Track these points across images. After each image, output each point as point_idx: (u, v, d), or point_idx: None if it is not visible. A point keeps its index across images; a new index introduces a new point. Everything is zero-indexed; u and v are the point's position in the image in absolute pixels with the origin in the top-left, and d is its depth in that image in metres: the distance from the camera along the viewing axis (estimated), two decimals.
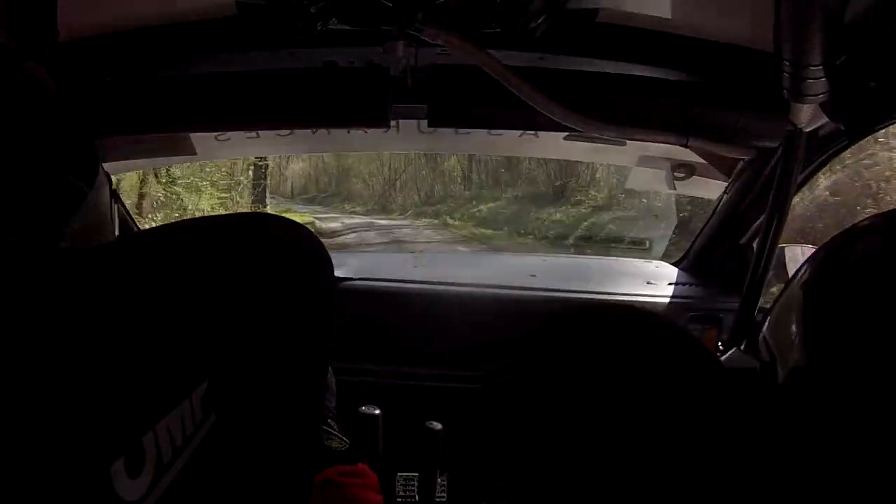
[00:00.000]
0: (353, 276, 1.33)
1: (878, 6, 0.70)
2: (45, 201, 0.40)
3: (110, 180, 0.50)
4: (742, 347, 0.49)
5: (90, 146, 0.45)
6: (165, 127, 1.14)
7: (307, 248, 0.44)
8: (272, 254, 0.40)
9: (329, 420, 0.67)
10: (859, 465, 0.33)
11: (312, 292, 0.43)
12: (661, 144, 1.15)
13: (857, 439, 0.33)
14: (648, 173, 1.39)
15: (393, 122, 1.16)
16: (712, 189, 1.31)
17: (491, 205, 11.34)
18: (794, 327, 0.39)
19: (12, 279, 0.31)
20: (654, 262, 1.54)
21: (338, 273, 1.31)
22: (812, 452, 0.35)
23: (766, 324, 0.45)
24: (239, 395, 0.35)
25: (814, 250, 0.43)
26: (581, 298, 1.28)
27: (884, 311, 0.33)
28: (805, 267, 0.41)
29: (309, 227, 0.46)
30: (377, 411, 1.14)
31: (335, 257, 0.51)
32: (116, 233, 0.50)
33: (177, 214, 6.91)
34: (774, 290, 1.08)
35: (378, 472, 0.94)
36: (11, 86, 0.39)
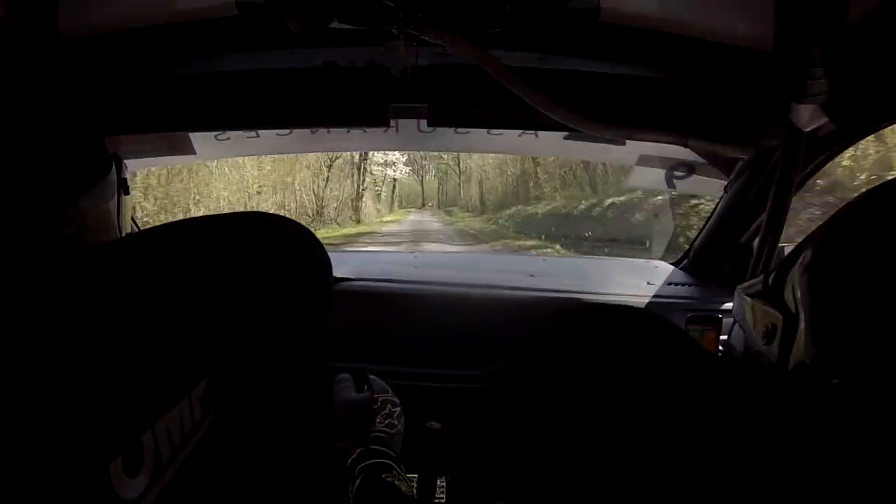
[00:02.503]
0: (353, 276, 1.33)
1: (879, 6, 0.70)
2: (55, 181, 0.40)
3: (121, 174, 0.50)
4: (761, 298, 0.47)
5: (101, 137, 0.45)
6: (165, 126, 1.14)
7: (305, 247, 0.44)
8: (270, 253, 0.41)
9: (400, 465, 0.66)
10: (863, 454, 0.33)
11: (310, 291, 0.43)
12: (661, 144, 1.15)
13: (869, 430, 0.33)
14: (648, 172, 1.39)
15: (392, 122, 1.16)
16: (712, 188, 1.31)
17: None
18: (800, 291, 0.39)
19: (14, 276, 0.31)
20: (654, 261, 1.54)
21: (337, 273, 1.31)
22: (818, 445, 0.35)
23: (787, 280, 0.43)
24: (238, 393, 0.35)
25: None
26: (580, 299, 1.28)
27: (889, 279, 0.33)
28: (807, 254, 0.40)
29: None
30: None
31: (334, 257, 0.51)
32: (127, 228, 0.49)
33: None
34: None
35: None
36: (37, 67, 0.39)
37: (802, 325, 0.38)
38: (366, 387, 0.79)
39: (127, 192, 0.50)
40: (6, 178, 0.37)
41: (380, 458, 0.64)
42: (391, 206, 23.08)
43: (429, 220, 19.81)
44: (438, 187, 25.76)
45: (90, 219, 0.42)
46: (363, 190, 18.50)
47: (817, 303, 0.38)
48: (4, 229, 0.37)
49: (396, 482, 0.63)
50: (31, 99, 0.38)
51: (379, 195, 21.40)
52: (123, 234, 0.49)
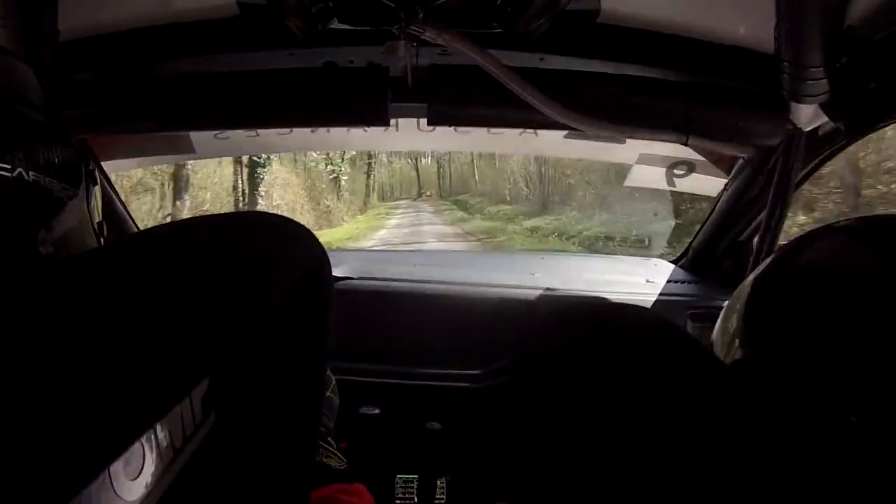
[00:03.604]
0: (352, 276, 1.33)
1: (878, 7, 0.70)
2: (21, 207, 0.40)
3: (96, 180, 0.50)
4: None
5: (71, 149, 0.45)
6: (166, 126, 1.14)
7: (305, 246, 0.44)
8: (270, 252, 0.41)
9: (328, 438, 0.67)
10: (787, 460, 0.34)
11: (310, 291, 0.43)
12: (661, 142, 1.16)
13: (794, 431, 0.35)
14: (648, 171, 1.39)
15: (393, 121, 1.16)
16: (712, 186, 1.31)
17: None
18: (735, 320, 0.41)
19: (10, 279, 0.32)
20: (654, 259, 1.55)
21: (336, 272, 1.31)
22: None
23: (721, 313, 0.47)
24: (239, 394, 0.35)
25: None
26: (581, 297, 1.28)
27: (822, 311, 0.35)
28: (762, 265, 0.43)
29: None
30: (377, 411, 1.14)
31: (334, 256, 0.51)
32: (97, 218, 0.49)
33: None
34: None
35: (377, 472, 0.95)
36: None
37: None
38: None
39: (95, 184, 0.50)
40: None
41: None
42: (366, 199, 16.05)
43: (430, 222, 13.03)
44: (438, 170, 18.83)
45: (69, 232, 0.42)
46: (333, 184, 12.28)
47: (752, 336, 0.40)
48: None
49: (325, 460, 0.63)
50: None
51: (337, 182, 13.07)
52: (95, 225, 0.49)
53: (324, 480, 0.60)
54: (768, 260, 0.42)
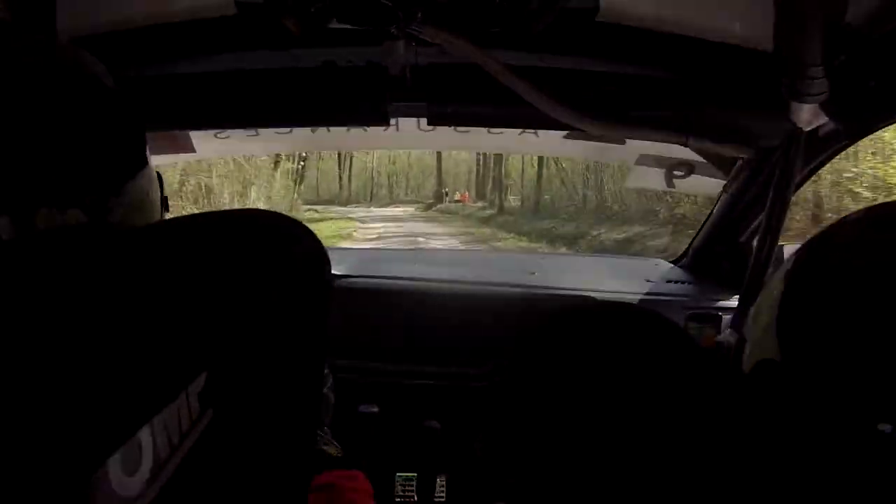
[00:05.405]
0: (352, 274, 1.33)
1: (878, 6, 0.70)
2: (96, 172, 0.40)
3: (162, 186, 0.52)
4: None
5: (140, 132, 0.46)
6: (166, 125, 1.14)
7: (304, 244, 0.44)
8: (269, 250, 0.41)
9: (325, 427, 0.68)
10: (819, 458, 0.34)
11: (309, 288, 0.43)
12: (661, 143, 1.15)
13: (821, 433, 0.34)
14: (647, 172, 1.39)
15: (393, 120, 1.16)
16: (711, 187, 1.31)
17: None
18: (769, 316, 0.40)
19: (15, 272, 0.31)
20: (654, 259, 1.55)
21: (336, 270, 1.31)
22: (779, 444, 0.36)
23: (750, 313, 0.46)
24: (236, 390, 0.35)
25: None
26: (580, 296, 1.28)
27: (859, 304, 0.33)
28: (790, 259, 0.42)
29: None
30: (375, 409, 1.14)
31: (333, 254, 0.51)
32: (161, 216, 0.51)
33: None
34: None
35: (376, 471, 0.95)
36: (62, 72, 0.40)
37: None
38: None
39: (167, 209, 0.52)
40: (52, 170, 0.38)
41: None
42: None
43: None
44: (481, 163, 11.50)
45: (134, 205, 0.43)
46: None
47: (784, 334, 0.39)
48: (53, 220, 0.37)
49: (323, 447, 0.64)
50: (61, 95, 0.39)
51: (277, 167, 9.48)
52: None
53: (322, 467, 0.62)
54: (799, 255, 0.40)
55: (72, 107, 0.40)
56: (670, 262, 1.49)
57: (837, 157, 1.10)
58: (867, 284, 0.34)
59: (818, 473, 0.33)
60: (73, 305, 0.30)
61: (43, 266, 0.33)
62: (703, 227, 1.36)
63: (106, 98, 0.43)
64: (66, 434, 0.26)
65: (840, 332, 0.33)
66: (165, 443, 0.30)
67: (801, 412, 0.34)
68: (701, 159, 1.25)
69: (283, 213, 0.47)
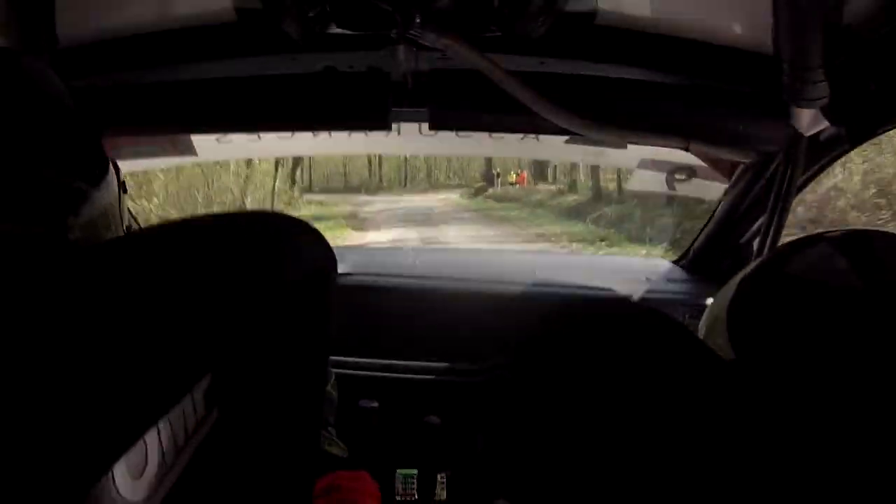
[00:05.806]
0: (353, 271, 1.34)
1: (879, 7, 0.70)
2: (47, 199, 0.40)
3: (119, 174, 0.51)
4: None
5: (96, 144, 0.45)
6: (168, 129, 1.15)
7: (313, 246, 0.44)
8: (275, 250, 0.41)
9: (330, 427, 0.68)
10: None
11: (314, 288, 0.43)
12: (662, 147, 1.15)
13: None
14: (649, 175, 1.39)
15: (394, 125, 1.16)
16: (713, 191, 1.30)
17: None
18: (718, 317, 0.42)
19: (14, 273, 0.31)
20: (654, 259, 1.54)
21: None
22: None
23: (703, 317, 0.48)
24: (241, 389, 0.35)
25: None
26: (581, 294, 1.29)
27: (804, 319, 0.36)
28: (748, 267, 0.44)
29: None
30: (375, 404, 1.14)
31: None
32: (125, 225, 0.50)
33: None
34: None
35: (376, 467, 0.95)
36: (12, 86, 0.39)
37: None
38: None
39: (125, 192, 0.52)
40: (12, 181, 0.37)
41: None
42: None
43: None
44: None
45: (95, 220, 0.42)
46: None
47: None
48: (15, 228, 0.37)
49: (327, 447, 0.65)
50: (19, 108, 0.39)
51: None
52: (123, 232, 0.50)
53: (327, 468, 0.62)
54: (755, 262, 0.43)
55: (27, 124, 0.39)
56: (671, 261, 1.49)
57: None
58: (815, 296, 0.37)
59: (790, 466, 0.34)
60: (73, 306, 0.30)
61: (51, 270, 0.33)
62: (704, 227, 1.36)
63: (61, 115, 0.42)
64: (72, 440, 0.26)
65: (786, 338, 0.36)
66: (171, 445, 0.30)
67: (759, 410, 0.36)
68: (702, 164, 1.25)
69: (281, 205, 0.47)
